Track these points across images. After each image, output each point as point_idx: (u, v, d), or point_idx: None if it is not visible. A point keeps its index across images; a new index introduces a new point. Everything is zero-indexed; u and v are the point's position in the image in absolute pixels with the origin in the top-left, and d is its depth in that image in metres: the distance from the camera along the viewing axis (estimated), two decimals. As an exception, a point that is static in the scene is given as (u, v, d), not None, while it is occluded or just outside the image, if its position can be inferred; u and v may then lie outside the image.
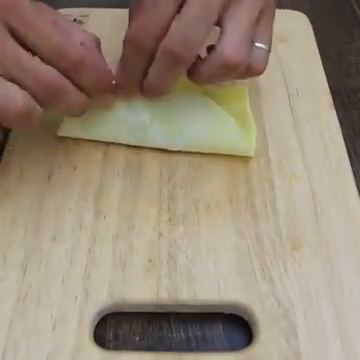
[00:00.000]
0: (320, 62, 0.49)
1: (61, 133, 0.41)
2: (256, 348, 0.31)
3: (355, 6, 0.57)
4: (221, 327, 0.34)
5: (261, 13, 0.36)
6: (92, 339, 0.32)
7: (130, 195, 0.39)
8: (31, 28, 0.32)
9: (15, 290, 0.33)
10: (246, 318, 0.33)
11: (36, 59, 0.32)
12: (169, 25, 0.34)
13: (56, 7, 0.54)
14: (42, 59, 0.32)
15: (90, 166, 0.41)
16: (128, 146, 0.42)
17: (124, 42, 0.35)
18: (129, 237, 0.36)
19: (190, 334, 0.33)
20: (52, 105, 0.34)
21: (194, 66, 0.36)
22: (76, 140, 0.42)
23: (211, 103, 0.40)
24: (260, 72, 0.37)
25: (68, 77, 0.34)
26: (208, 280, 0.34)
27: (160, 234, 0.36)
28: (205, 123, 0.40)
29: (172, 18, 0.34)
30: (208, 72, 0.36)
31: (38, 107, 0.33)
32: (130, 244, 0.36)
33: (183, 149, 0.41)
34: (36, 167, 0.40)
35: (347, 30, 0.55)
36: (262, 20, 0.37)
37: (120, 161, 0.41)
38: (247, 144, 0.40)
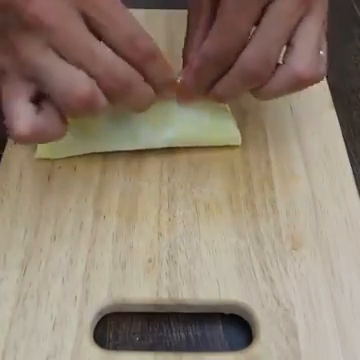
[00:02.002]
0: (320, 62, 0.49)
1: (39, 155, 0.40)
2: (256, 348, 0.31)
3: (355, 6, 0.57)
4: (221, 327, 0.34)
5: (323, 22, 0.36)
6: (92, 339, 0.32)
7: (130, 195, 0.39)
8: (107, 19, 0.31)
9: (15, 290, 0.33)
10: (246, 318, 0.33)
11: (109, 51, 0.32)
12: (247, 40, 0.34)
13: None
14: (114, 49, 0.32)
15: (90, 166, 0.41)
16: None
17: (202, 55, 0.36)
18: (129, 237, 0.36)
19: (190, 334, 0.33)
20: (119, 99, 0.33)
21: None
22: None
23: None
24: (322, 79, 0.37)
25: (137, 69, 0.33)
26: (208, 280, 0.34)
27: (160, 234, 0.36)
28: (192, 115, 0.40)
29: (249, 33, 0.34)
30: (279, 87, 0.36)
31: (104, 98, 0.32)
32: (130, 244, 0.36)
33: (173, 143, 0.41)
34: (36, 167, 0.40)
35: (347, 30, 0.55)
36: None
37: (120, 161, 0.41)
38: (234, 133, 0.41)
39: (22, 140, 0.32)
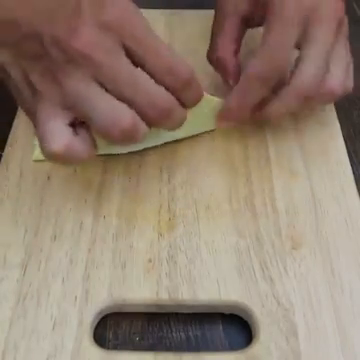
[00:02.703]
0: (320, 62, 0.49)
1: (37, 157, 0.41)
2: (256, 348, 0.31)
3: (355, 6, 0.57)
4: (221, 327, 0.34)
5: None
6: (92, 339, 0.32)
7: (130, 195, 0.39)
8: (145, 48, 0.32)
9: (15, 290, 0.33)
10: (246, 318, 0.33)
11: (151, 81, 0.33)
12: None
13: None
14: (153, 77, 0.33)
15: (90, 166, 0.41)
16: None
17: (250, 76, 0.38)
18: (129, 237, 0.36)
19: (190, 334, 0.33)
20: (158, 124, 0.34)
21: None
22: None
23: None
24: (334, 98, 0.39)
25: (174, 94, 0.34)
26: (208, 280, 0.34)
27: (160, 234, 0.36)
28: None
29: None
30: (316, 102, 0.40)
31: (144, 126, 0.33)
32: (130, 244, 0.36)
33: (174, 136, 0.41)
34: (36, 167, 0.40)
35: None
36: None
37: (120, 161, 0.41)
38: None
39: (55, 158, 0.33)
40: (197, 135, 0.42)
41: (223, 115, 0.41)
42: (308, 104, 0.38)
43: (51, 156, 0.33)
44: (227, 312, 0.34)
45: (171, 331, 0.33)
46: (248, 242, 0.36)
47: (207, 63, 0.43)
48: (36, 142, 0.41)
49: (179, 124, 0.36)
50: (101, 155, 0.41)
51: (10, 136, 0.42)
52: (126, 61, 0.32)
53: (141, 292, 0.33)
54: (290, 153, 0.42)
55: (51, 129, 0.32)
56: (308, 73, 0.37)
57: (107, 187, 0.39)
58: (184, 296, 0.33)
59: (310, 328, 0.32)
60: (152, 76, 0.33)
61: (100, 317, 0.33)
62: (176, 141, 0.42)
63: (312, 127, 0.43)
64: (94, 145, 0.34)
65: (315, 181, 0.40)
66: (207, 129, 0.43)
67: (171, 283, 0.34)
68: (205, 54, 0.43)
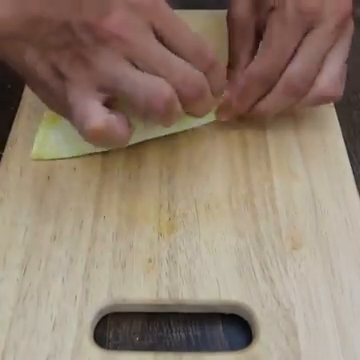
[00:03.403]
0: (320, 62, 0.49)
1: (33, 156, 0.41)
2: (256, 348, 0.31)
3: (354, 6, 0.57)
4: (221, 327, 0.34)
5: None
6: (92, 339, 0.32)
7: (130, 195, 0.39)
8: (173, 30, 0.33)
9: (15, 290, 0.33)
10: (246, 318, 0.33)
11: (183, 60, 0.33)
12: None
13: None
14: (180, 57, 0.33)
15: (90, 166, 0.41)
16: (128, 146, 0.41)
17: (250, 76, 0.39)
18: (129, 237, 0.36)
19: (190, 334, 0.33)
20: (192, 105, 0.34)
21: None
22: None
23: None
24: (325, 100, 0.40)
25: None
26: (208, 280, 0.34)
27: (160, 234, 0.36)
28: None
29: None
30: (306, 103, 0.39)
31: (180, 105, 0.33)
32: (130, 244, 0.36)
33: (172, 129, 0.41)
34: (36, 167, 0.40)
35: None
36: None
37: (120, 161, 0.41)
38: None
39: (96, 136, 0.33)
40: (197, 135, 0.42)
41: (224, 110, 0.41)
42: (298, 101, 0.39)
43: (93, 135, 0.33)
44: (227, 312, 0.34)
45: (171, 331, 0.33)
46: (248, 242, 0.36)
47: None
48: (36, 140, 0.41)
49: (209, 108, 0.36)
50: (100, 153, 0.41)
51: (10, 136, 0.42)
52: (156, 40, 0.32)
53: (141, 292, 0.33)
54: (290, 153, 0.42)
55: (88, 109, 0.32)
56: (296, 70, 0.37)
57: (107, 187, 0.39)
58: (184, 296, 0.33)
59: (310, 328, 0.32)
60: (179, 57, 0.33)
61: (100, 317, 0.33)
62: (176, 140, 0.42)
63: (312, 127, 0.43)
64: (130, 124, 0.34)
65: (315, 181, 0.40)
66: (209, 121, 0.42)
67: (171, 283, 0.34)
68: None
